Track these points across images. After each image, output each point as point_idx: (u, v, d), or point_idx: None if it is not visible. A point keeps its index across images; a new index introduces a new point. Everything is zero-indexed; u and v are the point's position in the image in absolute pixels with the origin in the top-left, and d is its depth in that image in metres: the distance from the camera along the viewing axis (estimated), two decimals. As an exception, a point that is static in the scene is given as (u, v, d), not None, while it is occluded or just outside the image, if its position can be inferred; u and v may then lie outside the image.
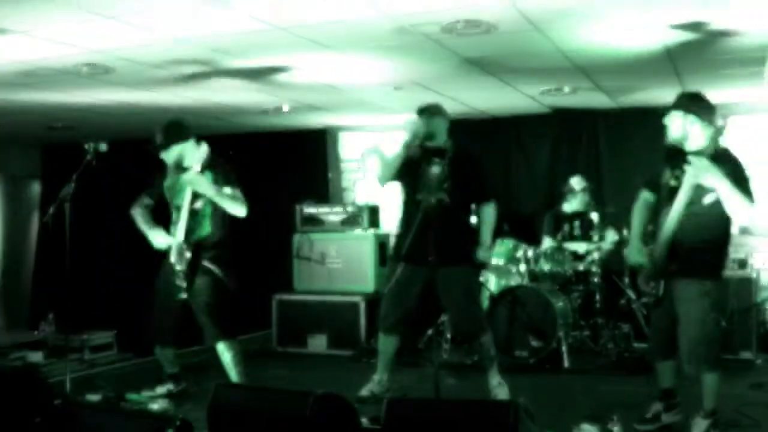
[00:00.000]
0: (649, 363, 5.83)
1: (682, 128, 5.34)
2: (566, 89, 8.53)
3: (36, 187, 13.09)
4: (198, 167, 6.11)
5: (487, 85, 8.17)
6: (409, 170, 6.32)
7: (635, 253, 5.52)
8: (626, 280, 8.34)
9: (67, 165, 6.35)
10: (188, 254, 6.25)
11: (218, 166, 6.32)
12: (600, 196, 9.28)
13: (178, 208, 6.33)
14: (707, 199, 5.14)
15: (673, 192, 5.27)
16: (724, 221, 5.29)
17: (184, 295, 6.27)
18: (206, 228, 6.35)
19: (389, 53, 6.85)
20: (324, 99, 8.97)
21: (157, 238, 6.40)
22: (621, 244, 5.95)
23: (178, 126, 6.45)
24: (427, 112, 6.36)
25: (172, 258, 6.30)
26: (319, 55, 6.87)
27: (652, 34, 6.39)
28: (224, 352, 6.37)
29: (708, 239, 5.32)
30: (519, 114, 10.12)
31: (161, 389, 6.68)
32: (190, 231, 6.28)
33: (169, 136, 6.36)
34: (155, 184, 6.58)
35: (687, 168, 5.12)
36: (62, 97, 8.44)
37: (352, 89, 8.39)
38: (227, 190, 6.23)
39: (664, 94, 8.60)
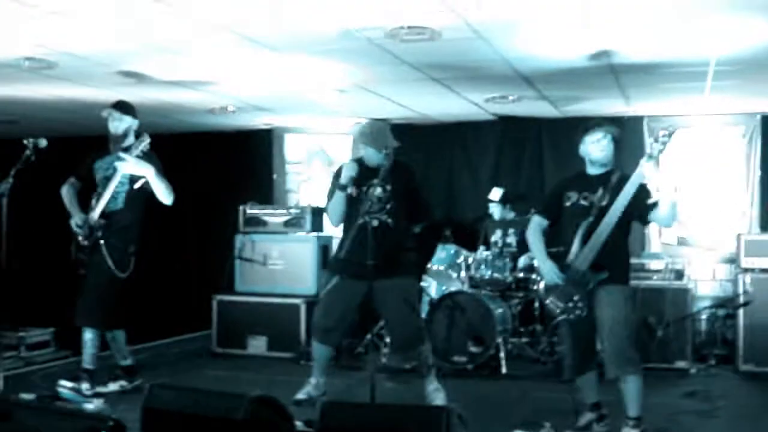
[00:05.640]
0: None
1: (610, 151, 5.57)
2: (511, 97, 8.62)
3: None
4: (137, 152, 6.41)
5: (432, 91, 8.23)
6: (350, 198, 6.25)
7: (552, 273, 5.55)
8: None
9: (10, 161, 6.30)
10: (97, 233, 6.47)
11: (153, 158, 6.59)
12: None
13: (103, 186, 6.59)
14: (620, 208, 5.33)
15: (585, 210, 5.48)
16: (628, 230, 5.61)
17: (82, 271, 6.56)
18: (119, 204, 6.57)
19: (334, 56, 6.87)
20: (269, 100, 8.97)
21: (75, 218, 6.67)
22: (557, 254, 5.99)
23: (132, 106, 6.85)
24: (381, 146, 6.18)
25: (80, 232, 6.56)
26: (263, 56, 6.87)
27: (593, 48, 6.51)
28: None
29: (625, 247, 5.60)
30: (464, 120, 10.19)
31: (114, 386, 6.65)
32: (105, 209, 6.53)
33: (127, 107, 6.78)
34: (86, 162, 6.85)
35: (641, 169, 5.28)
36: (3, 91, 8.35)
37: (297, 91, 8.39)
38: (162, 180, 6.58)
39: (608, 105, 8.82)
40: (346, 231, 6.23)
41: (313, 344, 6.53)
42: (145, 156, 6.47)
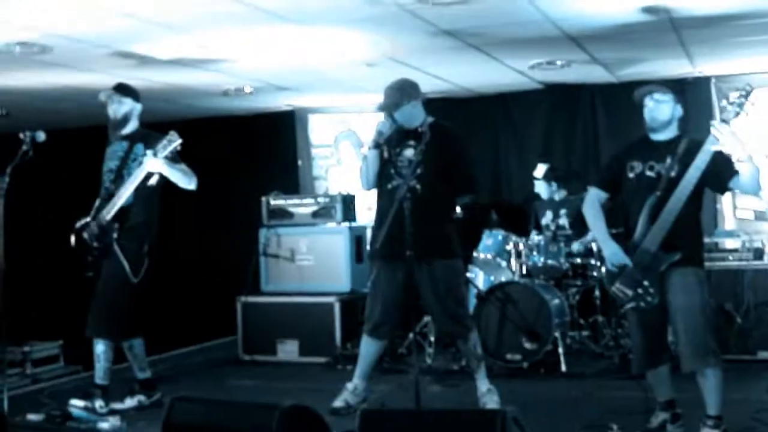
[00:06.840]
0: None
1: (670, 114, 5.47)
2: (558, 62, 8.58)
3: (-31, 182, 13.00)
4: (165, 153, 6.28)
5: (470, 60, 8.20)
6: (383, 162, 6.27)
7: (616, 255, 5.45)
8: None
9: (4, 156, 6.34)
10: (110, 234, 6.44)
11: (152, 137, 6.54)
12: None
13: (108, 179, 6.59)
14: (693, 179, 5.23)
15: (653, 182, 5.37)
16: (701, 204, 5.51)
17: (90, 273, 6.52)
18: (130, 199, 6.48)
19: (359, 26, 6.86)
20: (290, 78, 8.96)
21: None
22: (618, 234, 5.90)
23: (134, 88, 6.79)
24: (392, 104, 6.18)
25: (86, 234, 6.54)
26: (280, 29, 6.86)
27: (649, 1, 6.43)
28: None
29: (698, 223, 5.52)
30: (507, 91, 10.15)
31: (131, 401, 6.68)
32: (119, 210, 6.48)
33: (128, 90, 6.73)
34: None
35: (714, 133, 5.15)
36: (-7, 81, 8.43)
37: (320, 67, 8.38)
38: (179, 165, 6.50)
39: (669, 66, 8.70)
40: (378, 213, 6.27)
41: (363, 339, 6.50)
42: (148, 141, 6.46)
